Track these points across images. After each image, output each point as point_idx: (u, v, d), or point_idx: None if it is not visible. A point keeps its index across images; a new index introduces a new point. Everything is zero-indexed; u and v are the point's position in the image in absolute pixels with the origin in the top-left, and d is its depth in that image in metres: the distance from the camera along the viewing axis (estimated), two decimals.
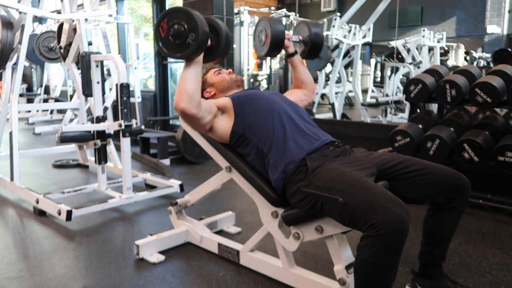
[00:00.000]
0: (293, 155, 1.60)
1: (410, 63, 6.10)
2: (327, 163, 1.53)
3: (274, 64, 7.69)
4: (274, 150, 1.64)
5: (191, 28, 1.46)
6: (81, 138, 2.89)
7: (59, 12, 3.29)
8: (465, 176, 1.55)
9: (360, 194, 1.32)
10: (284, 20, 6.50)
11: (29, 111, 7.32)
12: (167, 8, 5.67)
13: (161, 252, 2.12)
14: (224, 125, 1.75)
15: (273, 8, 7.21)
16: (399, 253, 1.25)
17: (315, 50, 2.00)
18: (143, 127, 4.07)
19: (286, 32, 1.96)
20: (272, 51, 1.92)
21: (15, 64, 3.11)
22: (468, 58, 7.26)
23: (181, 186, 3.08)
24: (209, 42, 1.57)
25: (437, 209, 1.59)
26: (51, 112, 7.20)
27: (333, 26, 5.53)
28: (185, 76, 1.55)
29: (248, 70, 6.31)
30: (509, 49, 3.81)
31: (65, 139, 2.79)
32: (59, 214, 2.50)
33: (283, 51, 2.02)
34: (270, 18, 1.93)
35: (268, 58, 6.88)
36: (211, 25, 1.56)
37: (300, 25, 2.06)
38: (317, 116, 5.92)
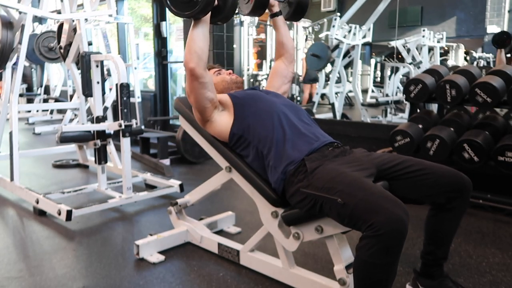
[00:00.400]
0: (292, 156, 1.60)
1: (410, 63, 6.10)
2: (326, 163, 1.53)
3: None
4: (274, 151, 1.64)
5: None
6: (81, 138, 2.90)
7: (59, 12, 3.29)
8: (466, 176, 1.55)
9: (359, 194, 1.32)
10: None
11: (29, 111, 7.32)
12: (167, 8, 5.66)
13: (161, 252, 2.12)
14: (224, 120, 1.75)
15: None
16: (398, 253, 1.25)
17: (300, 11, 1.97)
18: (143, 127, 4.07)
19: None
20: (256, 10, 1.86)
21: (15, 64, 3.11)
22: (468, 58, 7.25)
23: (181, 186, 3.08)
24: (216, 1, 1.56)
25: (438, 209, 1.59)
26: (51, 112, 7.20)
27: (333, 26, 5.52)
28: (193, 36, 1.58)
29: (248, 70, 6.30)
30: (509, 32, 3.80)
31: (65, 139, 2.79)
32: (59, 214, 2.50)
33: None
34: None
35: (268, 59, 6.87)
36: None
37: None
38: (317, 116, 5.91)
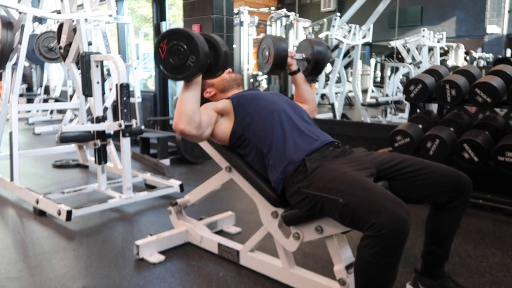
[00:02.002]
0: (292, 155, 1.60)
1: (410, 63, 6.10)
2: (327, 163, 1.53)
3: None
4: (274, 150, 1.64)
5: (191, 50, 1.45)
6: (81, 138, 2.89)
7: (59, 12, 3.29)
8: (466, 175, 1.55)
9: (361, 194, 1.32)
10: (284, 20, 6.51)
11: (29, 111, 7.32)
12: (167, 8, 5.67)
13: (161, 252, 2.12)
14: (224, 128, 1.75)
15: (273, 8, 7.20)
16: (400, 253, 1.25)
17: (318, 68, 2.01)
18: (143, 127, 4.07)
19: (290, 50, 1.97)
20: (275, 69, 1.93)
21: (15, 64, 3.11)
22: (468, 58, 7.26)
23: (181, 186, 3.08)
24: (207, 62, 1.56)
25: (439, 209, 1.59)
26: (51, 112, 7.20)
27: (333, 26, 5.52)
28: (184, 97, 1.54)
29: (248, 70, 6.30)
30: (510, 58, 3.77)
31: (65, 139, 2.79)
32: (59, 214, 2.50)
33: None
34: (273, 37, 1.93)
35: None
36: (209, 42, 1.55)
37: (304, 43, 2.08)
38: (317, 116, 5.89)
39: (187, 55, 1.46)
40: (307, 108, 2.02)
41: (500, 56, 5.24)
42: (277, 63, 1.89)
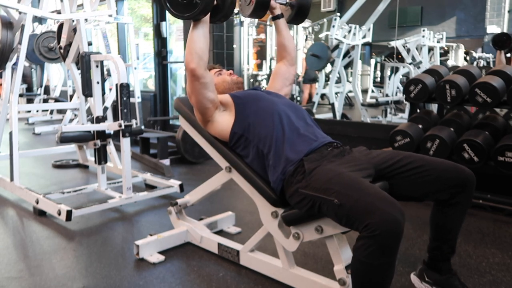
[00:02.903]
0: (291, 156, 1.60)
1: (410, 63, 6.10)
2: (325, 164, 1.53)
3: (274, 64, 7.67)
4: (273, 151, 1.64)
5: None
6: (81, 138, 2.89)
7: (59, 12, 3.28)
8: (469, 169, 1.54)
9: (355, 195, 1.32)
10: None
11: (29, 111, 7.32)
12: (166, 10, 5.66)
13: (161, 252, 2.12)
14: (225, 121, 1.76)
15: None
16: (395, 254, 1.25)
17: (302, 14, 1.97)
18: (143, 127, 4.08)
19: None
20: (257, 11, 1.87)
21: (15, 64, 3.11)
22: (468, 58, 7.25)
23: (181, 186, 3.08)
24: (215, 1, 1.56)
25: (442, 205, 1.58)
26: (51, 112, 7.20)
27: (333, 26, 5.52)
28: (193, 36, 1.59)
29: (248, 70, 6.30)
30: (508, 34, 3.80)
31: (65, 139, 2.79)
32: (59, 214, 2.50)
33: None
34: None
35: (268, 59, 6.87)
36: None
37: None
38: (317, 116, 5.91)
39: None
40: (288, 59, 2.04)
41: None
42: (259, 4, 1.83)
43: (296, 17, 1.99)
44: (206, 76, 1.65)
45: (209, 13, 1.59)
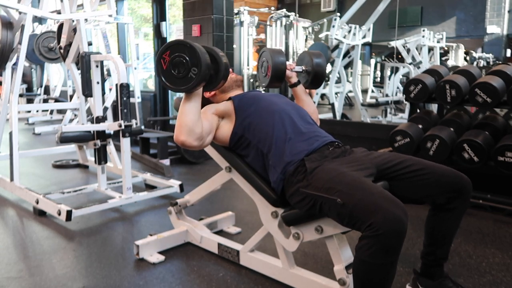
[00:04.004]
0: (292, 155, 1.60)
1: (410, 63, 6.11)
2: (326, 163, 1.53)
3: None
4: (274, 150, 1.64)
5: (194, 62, 1.46)
6: (81, 138, 2.90)
7: (59, 12, 3.28)
8: (466, 176, 1.55)
9: (358, 194, 1.32)
10: (284, 20, 6.51)
11: (29, 111, 7.32)
12: (166, 8, 5.68)
13: (161, 252, 2.12)
14: (225, 131, 1.75)
15: (273, 8, 7.20)
16: (397, 253, 1.24)
17: (318, 80, 2.01)
18: (143, 127, 4.07)
19: (288, 62, 1.97)
20: (274, 82, 1.93)
21: (15, 64, 3.11)
22: (468, 58, 7.26)
23: (181, 186, 3.08)
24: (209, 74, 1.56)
25: (438, 210, 1.59)
26: (51, 112, 7.20)
27: (333, 26, 5.53)
28: (185, 109, 1.55)
29: (248, 70, 6.30)
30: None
31: (65, 139, 2.79)
32: (59, 214, 2.50)
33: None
34: (271, 49, 1.93)
35: None
36: (210, 55, 1.55)
37: (303, 55, 2.08)
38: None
39: (189, 67, 1.46)
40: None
41: (499, 62, 5.24)
42: (275, 76, 1.89)
43: (313, 83, 2.02)
44: (199, 142, 1.59)
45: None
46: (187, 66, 1.46)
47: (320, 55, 2.02)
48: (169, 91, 5.81)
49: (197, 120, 1.55)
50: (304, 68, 2.03)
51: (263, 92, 1.94)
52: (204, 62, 1.46)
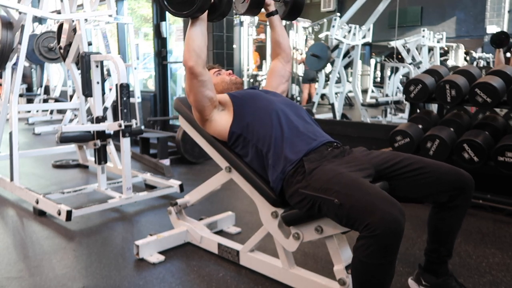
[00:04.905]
0: (290, 156, 1.59)
1: (410, 63, 6.10)
2: (325, 164, 1.53)
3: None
4: (272, 150, 1.64)
5: None
6: (81, 138, 2.90)
7: (59, 12, 3.29)
8: (467, 173, 1.55)
9: (355, 195, 1.32)
10: (283, 21, 6.50)
11: (29, 111, 7.32)
12: (164, 9, 5.66)
13: (161, 252, 2.12)
14: (223, 120, 1.76)
15: None
16: (395, 253, 1.24)
17: (296, 10, 1.97)
18: (143, 127, 4.08)
19: None
20: (252, 9, 1.87)
21: (15, 64, 3.11)
22: (468, 58, 7.25)
23: (181, 186, 3.08)
24: None
25: (441, 208, 1.58)
26: (51, 112, 7.20)
27: (333, 26, 5.52)
28: (191, 34, 1.60)
29: (248, 70, 6.30)
30: (507, 32, 3.81)
31: (65, 139, 2.79)
32: (59, 214, 2.50)
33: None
34: None
35: (268, 60, 6.87)
36: None
37: None
38: (317, 116, 5.92)
39: None
40: (283, 56, 2.04)
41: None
42: (254, 1, 1.84)
43: (291, 14, 1.99)
44: (205, 74, 1.65)
45: (207, 11, 1.60)
46: None
47: None
48: (169, 91, 5.80)
49: (203, 46, 1.62)
50: None
51: (261, 90, 1.94)
52: None
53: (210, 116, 1.77)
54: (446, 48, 7.10)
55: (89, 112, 3.72)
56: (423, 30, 6.21)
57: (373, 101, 7.31)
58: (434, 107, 4.08)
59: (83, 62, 2.85)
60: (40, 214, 2.71)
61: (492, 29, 6.61)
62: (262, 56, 7.52)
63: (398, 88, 6.94)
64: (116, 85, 2.71)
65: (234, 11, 1.85)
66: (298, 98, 7.02)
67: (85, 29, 3.06)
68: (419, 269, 1.68)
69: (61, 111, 6.86)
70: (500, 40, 3.87)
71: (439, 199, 1.55)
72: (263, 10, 1.98)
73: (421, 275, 1.67)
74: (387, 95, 6.85)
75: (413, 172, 1.54)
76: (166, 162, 3.97)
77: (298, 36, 6.74)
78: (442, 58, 6.90)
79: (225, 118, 1.76)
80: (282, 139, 1.64)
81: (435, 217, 1.61)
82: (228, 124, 1.75)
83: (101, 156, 2.94)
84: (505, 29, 6.37)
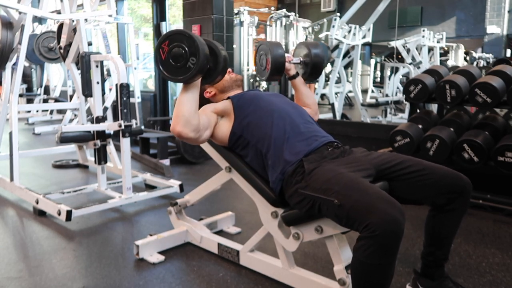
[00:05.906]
0: (290, 156, 1.59)
1: (410, 63, 6.11)
2: (324, 164, 1.53)
3: None
4: (272, 150, 1.64)
5: (192, 52, 1.45)
6: (81, 138, 2.89)
7: (59, 12, 3.29)
8: (466, 177, 1.55)
9: (355, 195, 1.32)
10: (283, 21, 6.51)
11: (29, 111, 7.32)
12: (166, 8, 5.68)
13: (161, 252, 2.12)
14: (224, 129, 1.75)
15: (273, 8, 7.20)
16: (395, 254, 1.24)
17: (316, 71, 2.00)
18: (143, 127, 4.07)
19: (287, 54, 1.96)
20: (273, 75, 1.92)
21: (15, 64, 3.11)
22: (468, 58, 7.26)
23: (181, 186, 3.08)
24: (208, 65, 1.56)
25: (438, 211, 1.58)
26: (51, 112, 7.20)
27: (333, 26, 5.53)
28: (182, 99, 1.54)
29: (248, 70, 6.30)
30: (508, 59, 3.76)
31: (65, 139, 2.79)
32: (59, 214, 2.50)
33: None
34: (270, 42, 1.92)
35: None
36: (209, 47, 1.55)
37: (300, 46, 2.06)
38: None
39: (188, 56, 1.46)
40: (309, 112, 2.02)
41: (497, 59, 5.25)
42: (275, 69, 1.88)
43: (312, 75, 2.02)
44: (195, 135, 1.57)
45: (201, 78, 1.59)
46: (186, 56, 1.46)
47: (318, 45, 1.99)
48: (169, 91, 5.81)
49: (194, 111, 1.55)
50: (302, 60, 2.02)
51: (262, 91, 1.94)
52: (203, 52, 1.46)
53: (212, 133, 1.76)
54: (446, 48, 7.10)
55: (89, 112, 3.72)
56: (423, 30, 6.22)
57: (373, 101, 7.32)
58: (434, 107, 4.08)
59: (83, 62, 2.85)
60: (40, 214, 2.71)
61: (492, 29, 6.61)
62: None
63: (398, 88, 6.95)
64: (116, 85, 2.71)
65: (257, 77, 1.86)
66: None
67: (85, 29, 3.06)
68: (415, 275, 1.68)
69: (61, 111, 6.86)
70: None
71: (437, 201, 1.55)
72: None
73: (417, 280, 1.67)
74: (387, 95, 6.85)
75: (412, 174, 1.55)
76: (166, 162, 3.97)
77: (298, 36, 6.74)
78: (442, 58, 6.90)
79: (226, 126, 1.75)
80: (282, 140, 1.64)
81: (432, 220, 1.61)
82: (229, 130, 1.75)
83: (101, 156, 2.94)
84: (505, 29, 6.38)
